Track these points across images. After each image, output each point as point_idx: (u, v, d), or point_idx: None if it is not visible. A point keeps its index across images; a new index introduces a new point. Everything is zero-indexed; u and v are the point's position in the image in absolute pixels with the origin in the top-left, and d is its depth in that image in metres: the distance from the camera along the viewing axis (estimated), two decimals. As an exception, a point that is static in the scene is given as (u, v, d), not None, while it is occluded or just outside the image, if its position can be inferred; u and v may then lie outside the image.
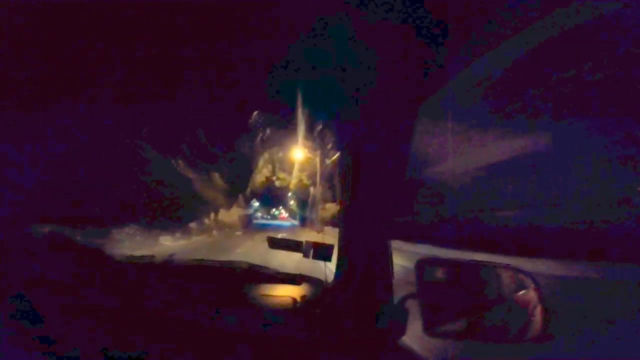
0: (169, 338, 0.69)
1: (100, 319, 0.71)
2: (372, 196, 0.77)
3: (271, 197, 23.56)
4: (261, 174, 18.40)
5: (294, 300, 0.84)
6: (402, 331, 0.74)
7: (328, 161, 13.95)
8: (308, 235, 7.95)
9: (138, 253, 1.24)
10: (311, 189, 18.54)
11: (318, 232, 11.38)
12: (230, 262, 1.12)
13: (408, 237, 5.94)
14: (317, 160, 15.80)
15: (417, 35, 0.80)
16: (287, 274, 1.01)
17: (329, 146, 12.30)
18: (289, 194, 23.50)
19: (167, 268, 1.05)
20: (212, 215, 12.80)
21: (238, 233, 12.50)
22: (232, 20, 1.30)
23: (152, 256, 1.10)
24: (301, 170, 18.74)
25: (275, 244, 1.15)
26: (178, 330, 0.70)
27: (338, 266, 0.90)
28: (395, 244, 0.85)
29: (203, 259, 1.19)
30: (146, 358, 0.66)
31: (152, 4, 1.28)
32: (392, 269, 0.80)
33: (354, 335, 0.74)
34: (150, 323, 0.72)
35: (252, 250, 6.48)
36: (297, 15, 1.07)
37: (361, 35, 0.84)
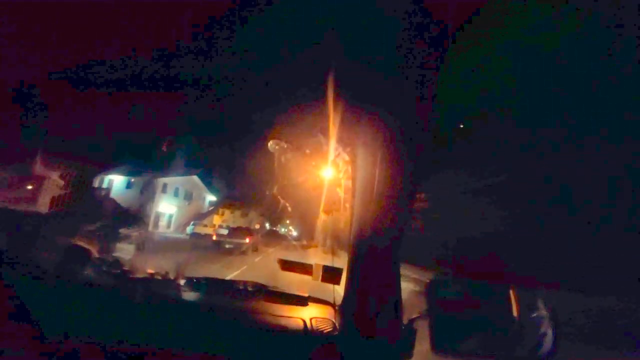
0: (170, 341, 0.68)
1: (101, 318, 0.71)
2: (381, 220, 0.78)
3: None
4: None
5: (304, 321, 0.83)
6: (410, 352, 0.73)
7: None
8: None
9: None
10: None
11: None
12: (241, 282, 1.12)
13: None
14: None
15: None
16: (297, 296, 1.01)
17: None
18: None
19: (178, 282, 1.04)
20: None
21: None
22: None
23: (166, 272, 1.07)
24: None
25: (285, 265, 1.15)
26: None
27: (347, 288, 0.90)
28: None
29: (213, 277, 1.17)
30: (146, 358, 0.65)
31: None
32: (400, 291, 0.79)
33: (362, 356, 0.73)
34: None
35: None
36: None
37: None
